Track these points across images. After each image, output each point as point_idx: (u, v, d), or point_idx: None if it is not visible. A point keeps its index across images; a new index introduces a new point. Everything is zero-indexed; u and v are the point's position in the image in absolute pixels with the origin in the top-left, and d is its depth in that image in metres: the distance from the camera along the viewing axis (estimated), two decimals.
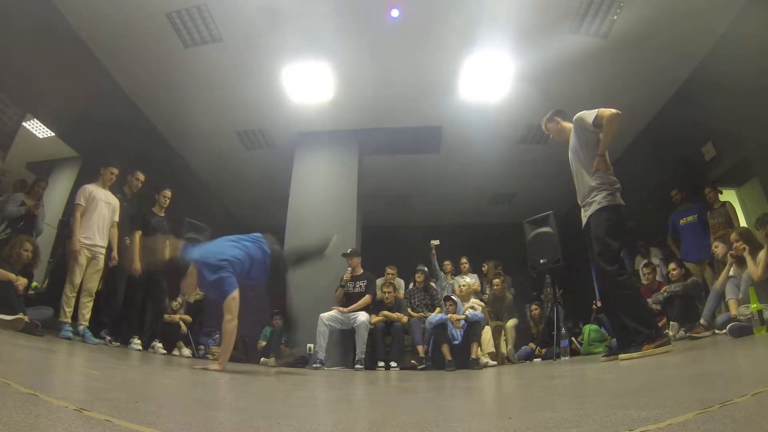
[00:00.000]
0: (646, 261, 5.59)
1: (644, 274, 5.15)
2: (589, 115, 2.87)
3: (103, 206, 4.23)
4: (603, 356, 3.19)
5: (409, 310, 5.24)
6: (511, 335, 5.40)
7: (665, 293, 4.58)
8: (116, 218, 4.37)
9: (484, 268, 6.49)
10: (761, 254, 3.37)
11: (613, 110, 2.74)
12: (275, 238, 3.32)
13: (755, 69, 4.28)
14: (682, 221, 5.21)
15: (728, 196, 5.14)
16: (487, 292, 6.14)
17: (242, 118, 6.39)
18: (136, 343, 4.24)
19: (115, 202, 4.39)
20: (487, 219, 9.01)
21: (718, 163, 5.12)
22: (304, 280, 5.63)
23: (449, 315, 4.81)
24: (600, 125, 2.80)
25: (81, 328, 3.90)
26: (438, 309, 5.24)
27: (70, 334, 3.72)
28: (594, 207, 2.85)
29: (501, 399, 1.79)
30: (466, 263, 6.22)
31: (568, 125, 3.11)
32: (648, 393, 1.23)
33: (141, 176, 4.80)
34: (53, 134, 5.31)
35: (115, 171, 4.40)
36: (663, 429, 0.69)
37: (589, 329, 4.95)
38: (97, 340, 3.97)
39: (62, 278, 4.05)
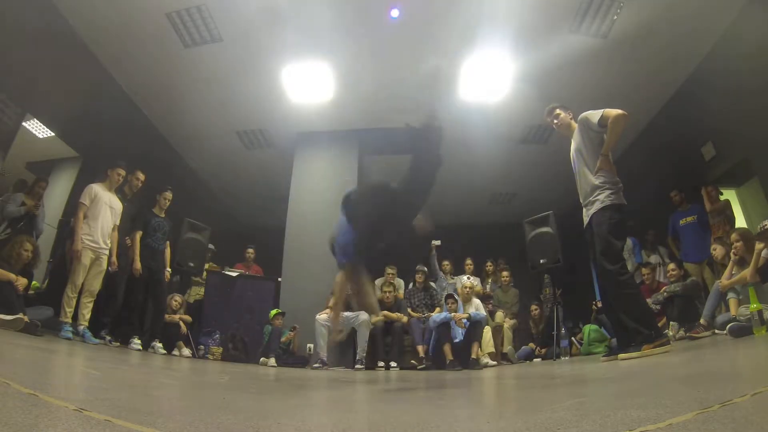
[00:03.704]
0: (647, 261, 5.59)
1: (644, 275, 5.16)
2: (594, 115, 2.87)
3: (106, 209, 4.23)
4: (603, 356, 3.19)
5: (409, 310, 5.24)
6: (508, 336, 5.42)
7: (665, 293, 4.58)
8: (117, 222, 4.37)
9: (489, 267, 6.51)
10: (753, 256, 3.39)
11: (619, 111, 2.75)
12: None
13: (755, 69, 4.27)
14: (681, 222, 5.22)
15: (728, 196, 5.13)
16: (488, 288, 6.20)
17: (242, 118, 6.39)
18: (136, 343, 4.24)
19: (118, 206, 4.39)
20: (487, 219, 9.01)
21: (718, 163, 5.12)
22: (300, 281, 5.63)
23: (453, 314, 4.82)
24: (605, 125, 2.81)
25: (81, 328, 3.90)
26: (438, 309, 5.24)
27: (70, 334, 3.72)
28: (597, 206, 2.85)
29: (501, 399, 1.79)
30: (471, 264, 6.26)
31: (574, 123, 3.12)
32: (648, 393, 1.23)
33: (141, 176, 4.80)
34: (53, 134, 5.31)
35: (122, 172, 4.41)
36: (663, 429, 0.69)
37: (589, 329, 4.95)
38: (97, 340, 3.97)
39: (62, 278, 4.05)
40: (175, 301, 4.99)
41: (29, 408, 0.75)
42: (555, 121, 3.26)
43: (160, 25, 4.73)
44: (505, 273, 6.07)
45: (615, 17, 4.60)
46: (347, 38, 5.03)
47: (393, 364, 4.74)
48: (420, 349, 4.80)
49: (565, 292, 5.87)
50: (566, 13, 4.61)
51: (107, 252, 4.21)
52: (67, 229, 4.61)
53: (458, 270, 6.29)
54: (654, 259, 5.63)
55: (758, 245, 3.39)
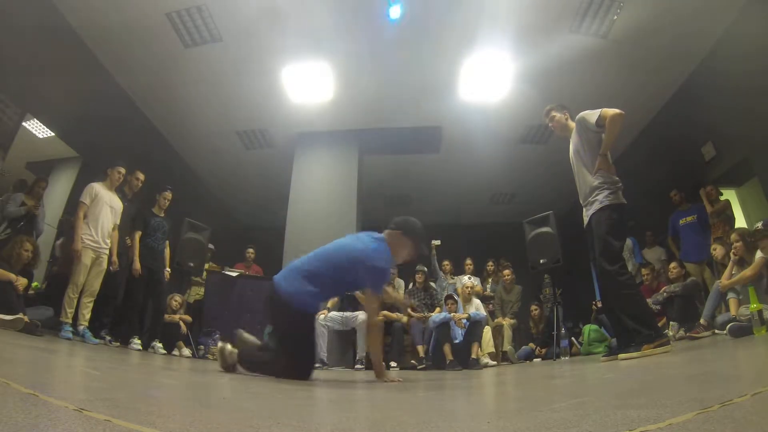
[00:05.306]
0: (646, 260, 5.60)
1: (644, 275, 5.16)
2: (591, 114, 2.87)
3: (106, 209, 4.23)
4: (603, 356, 3.19)
5: (409, 310, 5.24)
6: (508, 335, 5.42)
7: (665, 293, 4.59)
8: (117, 221, 4.37)
9: (490, 267, 6.51)
10: (757, 256, 3.39)
11: (617, 110, 2.74)
12: None
13: (755, 69, 4.28)
14: (681, 221, 5.22)
15: (728, 196, 5.14)
16: (488, 288, 6.19)
17: (242, 118, 6.39)
18: (136, 343, 4.24)
19: (118, 205, 4.39)
20: (487, 219, 9.02)
21: (718, 163, 5.12)
22: None
23: (452, 314, 4.82)
24: (603, 125, 2.80)
25: (81, 328, 3.90)
26: (438, 309, 5.24)
27: (71, 335, 3.72)
28: (596, 206, 2.85)
29: (501, 399, 1.79)
30: (470, 264, 6.25)
31: (572, 123, 3.11)
32: (648, 393, 1.23)
33: (141, 176, 4.80)
34: (53, 134, 5.31)
35: (123, 171, 4.41)
36: (663, 429, 0.69)
37: (589, 329, 4.95)
38: (97, 340, 3.97)
39: (62, 278, 4.05)
40: (175, 301, 4.98)
41: (29, 408, 0.75)
42: (550, 123, 3.27)
43: (160, 25, 4.73)
44: (506, 272, 6.06)
45: (615, 17, 4.60)
46: (347, 38, 5.03)
47: (393, 364, 4.73)
48: (420, 349, 4.80)
49: (565, 292, 5.87)
50: (566, 13, 4.61)
51: (107, 251, 4.21)
52: (67, 228, 4.60)
53: (458, 270, 6.28)
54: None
55: (758, 254, 3.39)
